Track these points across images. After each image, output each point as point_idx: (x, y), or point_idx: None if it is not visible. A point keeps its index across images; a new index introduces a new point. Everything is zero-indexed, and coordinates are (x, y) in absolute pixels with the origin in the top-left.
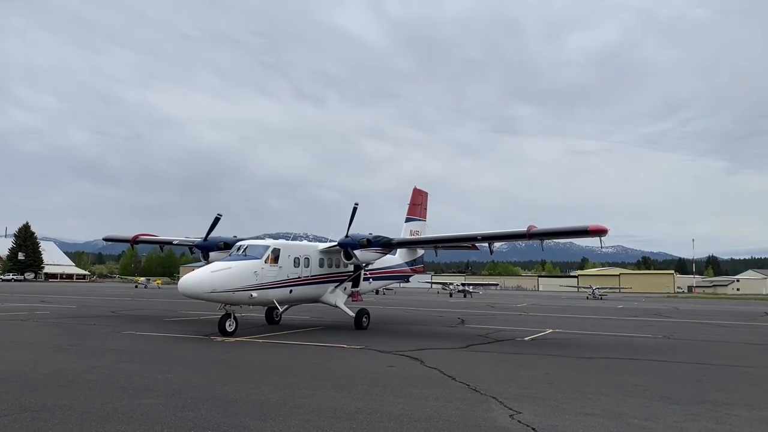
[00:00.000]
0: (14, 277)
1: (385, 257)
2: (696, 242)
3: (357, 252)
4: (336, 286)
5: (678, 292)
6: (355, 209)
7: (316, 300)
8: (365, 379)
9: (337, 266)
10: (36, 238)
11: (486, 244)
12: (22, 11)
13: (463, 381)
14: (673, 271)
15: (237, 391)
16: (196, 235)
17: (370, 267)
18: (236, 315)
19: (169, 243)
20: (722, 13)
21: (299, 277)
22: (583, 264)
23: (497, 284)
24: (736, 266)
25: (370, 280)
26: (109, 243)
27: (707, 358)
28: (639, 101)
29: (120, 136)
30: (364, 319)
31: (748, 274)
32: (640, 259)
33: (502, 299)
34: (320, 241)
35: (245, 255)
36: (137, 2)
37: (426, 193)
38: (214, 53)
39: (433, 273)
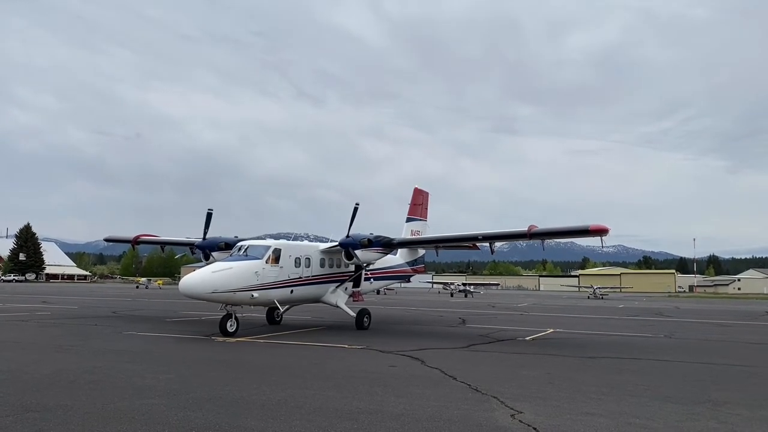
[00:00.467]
0: (15, 277)
1: (386, 257)
2: (697, 242)
3: (358, 252)
4: (337, 286)
5: (679, 292)
6: (355, 209)
7: (317, 300)
8: (367, 379)
9: (338, 266)
10: (37, 238)
11: (487, 244)
12: (22, 11)
13: (464, 381)
14: (674, 271)
15: (238, 391)
16: (197, 235)
17: (371, 267)
18: (237, 315)
19: (171, 243)
20: (722, 12)
21: (300, 278)
22: (584, 264)
23: (498, 284)
24: (737, 266)
25: (371, 280)
26: (110, 243)
27: (708, 357)
28: (639, 101)
29: (120, 136)
30: (365, 319)
31: (749, 274)
32: (641, 259)
33: (503, 299)
34: (321, 241)
35: (246, 255)
36: (137, 2)
37: (427, 193)
38: (214, 53)
39: (434, 273)
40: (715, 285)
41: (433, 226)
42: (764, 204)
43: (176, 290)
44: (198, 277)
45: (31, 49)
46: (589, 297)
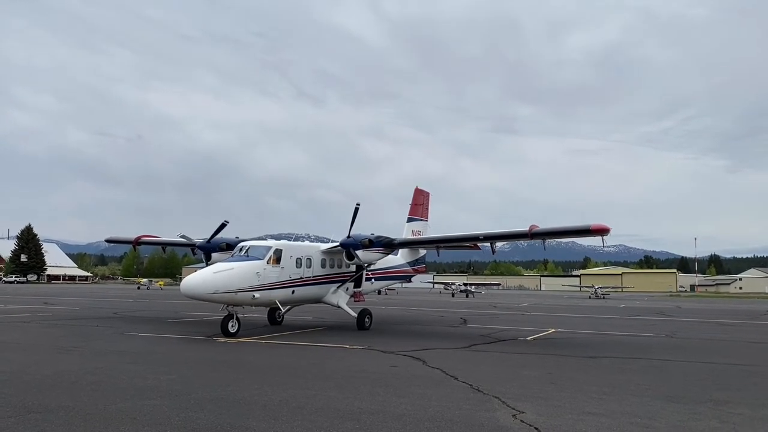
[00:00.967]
0: (17, 278)
1: (387, 257)
2: (698, 241)
3: (359, 252)
4: (338, 287)
5: (680, 291)
6: (356, 209)
7: (318, 300)
8: (368, 379)
9: (339, 267)
10: (38, 239)
11: (488, 244)
12: (22, 12)
13: (465, 381)
14: (675, 270)
15: (240, 391)
16: (198, 235)
17: (372, 267)
18: (239, 316)
19: (172, 244)
20: (722, 11)
21: (301, 278)
22: (585, 263)
23: (499, 284)
24: (738, 265)
25: (372, 280)
26: (112, 244)
27: (710, 357)
28: (639, 100)
29: (121, 136)
30: (367, 320)
31: (751, 273)
32: (643, 258)
33: (505, 299)
34: (322, 241)
35: (247, 256)
36: (137, 2)
37: (427, 193)
38: (215, 53)
39: (435, 273)
40: (717, 284)
41: (434, 226)
42: (765, 203)
43: (177, 291)
44: (199, 278)
45: (31, 49)
46: (590, 297)
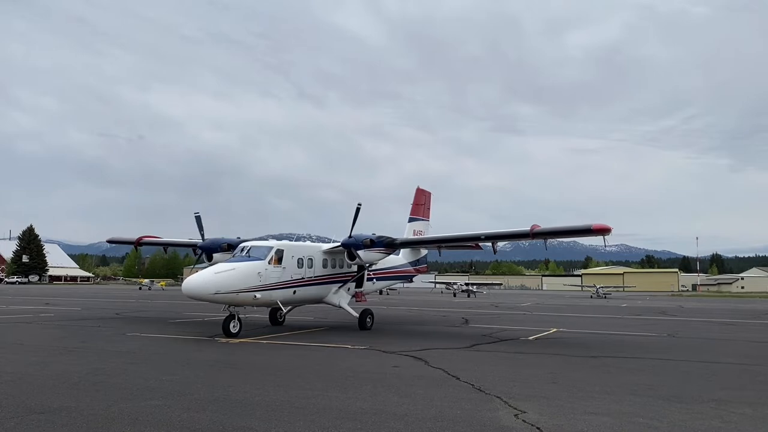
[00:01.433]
0: (19, 279)
1: (388, 257)
2: (700, 240)
3: (360, 252)
4: (339, 287)
5: (682, 291)
6: (358, 209)
7: (319, 301)
8: (370, 379)
9: (341, 267)
10: (40, 240)
11: (489, 244)
12: (24, 14)
13: (467, 381)
14: (677, 270)
15: (242, 392)
16: (198, 237)
17: (373, 267)
18: (240, 316)
19: (173, 244)
20: (723, 9)
21: (303, 278)
22: (586, 263)
23: (501, 284)
24: (740, 264)
25: (374, 280)
26: (113, 245)
27: (712, 356)
28: (641, 99)
29: (122, 137)
30: (368, 320)
31: (753, 272)
32: (644, 258)
33: (506, 299)
34: (323, 241)
35: (249, 256)
36: (138, 4)
37: (429, 193)
38: (216, 54)
39: (436, 273)
40: (719, 284)
41: (436, 226)
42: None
43: (179, 291)
44: (201, 279)
45: (33, 51)
46: (592, 296)
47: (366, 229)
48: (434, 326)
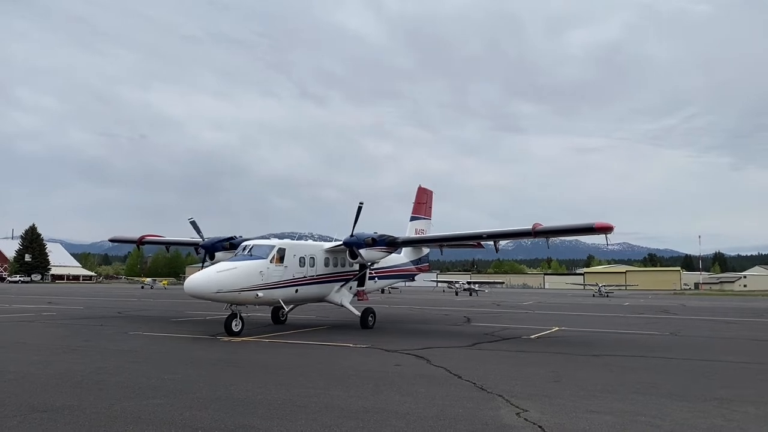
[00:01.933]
0: (21, 278)
1: (390, 256)
2: (702, 239)
3: (362, 251)
4: (341, 286)
5: (684, 289)
6: (359, 208)
7: (321, 299)
8: (372, 378)
9: (343, 265)
10: (42, 239)
11: (491, 242)
12: (25, 14)
13: (469, 379)
14: (679, 268)
15: (244, 390)
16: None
17: (375, 266)
18: (242, 315)
19: (175, 243)
20: (725, 8)
21: (305, 277)
22: (589, 261)
23: (503, 282)
24: (743, 262)
25: (376, 279)
26: (115, 244)
27: (714, 354)
28: (642, 98)
29: (123, 136)
30: (370, 318)
31: (756, 271)
32: (646, 257)
33: (508, 297)
34: (325, 240)
35: (251, 255)
36: (138, 3)
37: (431, 192)
38: (217, 53)
39: (438, 271)
40: (721, 282)
41: (437, 225)
42: None
43: (181, 290)
44: (203, 277)
45: (33, 51)
46: (594, 295)
47: (368, 228)
48: (436, 325)
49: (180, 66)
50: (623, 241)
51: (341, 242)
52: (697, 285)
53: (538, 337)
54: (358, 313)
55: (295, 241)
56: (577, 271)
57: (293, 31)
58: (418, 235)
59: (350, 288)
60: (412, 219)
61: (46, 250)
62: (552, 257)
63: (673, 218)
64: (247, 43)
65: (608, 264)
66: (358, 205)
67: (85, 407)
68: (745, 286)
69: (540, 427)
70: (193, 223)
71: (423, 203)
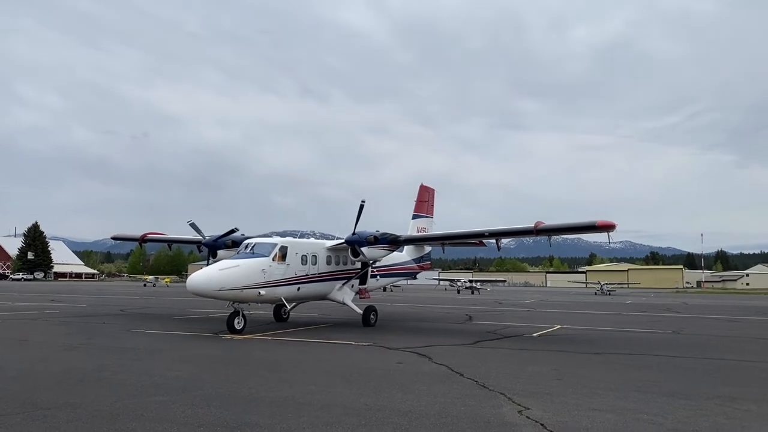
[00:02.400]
0: (24, 276)
1: (392, 254)
2: (705, 237)
3: (364, 249)
4: (343, 284)
5: (687, 287)
6: (361, 206)
7: (323, 297)
8: (374, 375)
9: (345, 263)
10: (45, 237)
11: (493, 241)
12: (30, 11)
13: (471, 377)
14: (681, 266)
15: (246, 388)
16: (203, 233)
17: (377, 264)
18: (244, 313)
19: (178, 241)
20: (728, 5)
21: (307, 275)
22: (591, 260)
23: (505, 281)
24: (745, 261)
25: (378, 277)
26: (118, 242)
27: (716, 353)
28: (645, 95)
29: (126, 134)
30: (372, 316)
31: (758, 269)
32: (649, 255)
33: (510, 295)
34: (327, 238)
35: (253, 253)
36: (142, 0)
37: (433, 190)
38: (219, 51)
39: (440, 270)
40: (723, 280)
41: (439, 223)
42: None
43: (183, 288)
44: (205, 275)
45: (37, 48)
46: (596, 293)
47: (370, 226)
48: (438, 323)
49: (182, 63)
50: (625, 239)
51: (343, 240)
52: (699, 283)
53: (540, 336)
54: (360, 311)
55: (297, 239)
56: (579, 270)
57: (296, 28)
58: (419, 234)
59: (352, 286)
60: (414, 217)
61: (49, 248)
62: (554, 255)
63: (675, 216)
64: (249, 40)
65: (610, 262)
66: (360, 203)
67: (87, 404)
68: (747, 284)
69: (542, 425)
70: (193, 225)
71: (425, 201)
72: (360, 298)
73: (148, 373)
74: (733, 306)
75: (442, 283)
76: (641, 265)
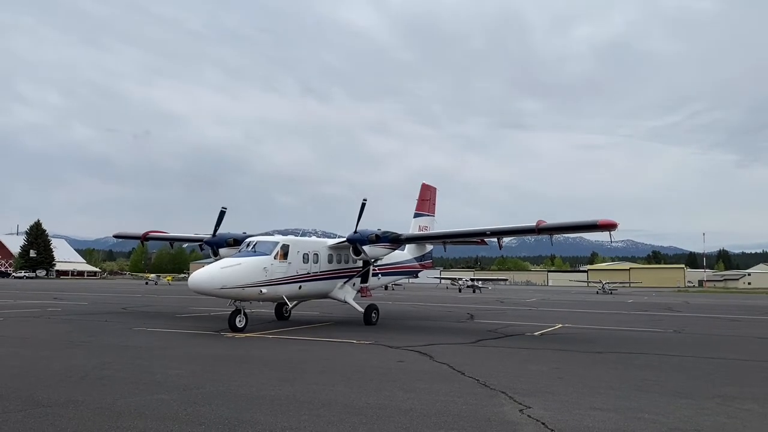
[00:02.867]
0: (26, 274)
1: (393, 253)
2: (706, 236)
3: (366, 248)
4: (345, 282)
5: (688, 287)
6: (363, 205)
7: (325, 296)
8: (375, 374)
9: (346, 262)
10: (47, 235)
11: (495, 239)
12: (31, 10)
13: (472, 376)
14: (683, 266)
15: (247, 386)
16: (205, 231)
17: (378, 263)
18: (246, 311)
19: (180, 240)
20: (729, 4)
21: (308, 273)
22: (592, 259)
23: (506, 279)
24: (747, 260)
25: (379, 275)
26: (120, 240)
27: (718, 352)
28: (646, 94)
29: (128, 132)
30: (374, 315)
31: (760, 268)
32: (650, 254)
33: (512, 294)
34: (329, 236)
35: (254, 251)
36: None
37: (434, 189)
38: (220, 49)
39: (442, 268)
40: (725, 280)
41: (441, 222)
42: None
43: (185, 286)
44: (207, 274)
45: (38, 46)
46: (597, 292)
47: (371, 224)
48: (439, 321)
49: (183, 62)
50: (627, 239)
51: (345, 239)
52: (701, 282)
53: (541, 334)
54: (362, 310)
55: (298, 238)
56: (581, 269)
57: (297, 27)
58: (421, 232)
59: (354, 284)
60: (416, 216)
61: (51, 246)
62: (555, 254)
63: (677, 215)
64: (250, 39)
65: (612, 261)
66: (361, 201)
67: (89, 402)
68: (749, 283)
69: (543, 423)
70: (222, 213)
71: (426, 200)
72: (361, 296)
73: (149, 371)
74: (734, 305)
75: (443, 281)
76: (643, 264)
